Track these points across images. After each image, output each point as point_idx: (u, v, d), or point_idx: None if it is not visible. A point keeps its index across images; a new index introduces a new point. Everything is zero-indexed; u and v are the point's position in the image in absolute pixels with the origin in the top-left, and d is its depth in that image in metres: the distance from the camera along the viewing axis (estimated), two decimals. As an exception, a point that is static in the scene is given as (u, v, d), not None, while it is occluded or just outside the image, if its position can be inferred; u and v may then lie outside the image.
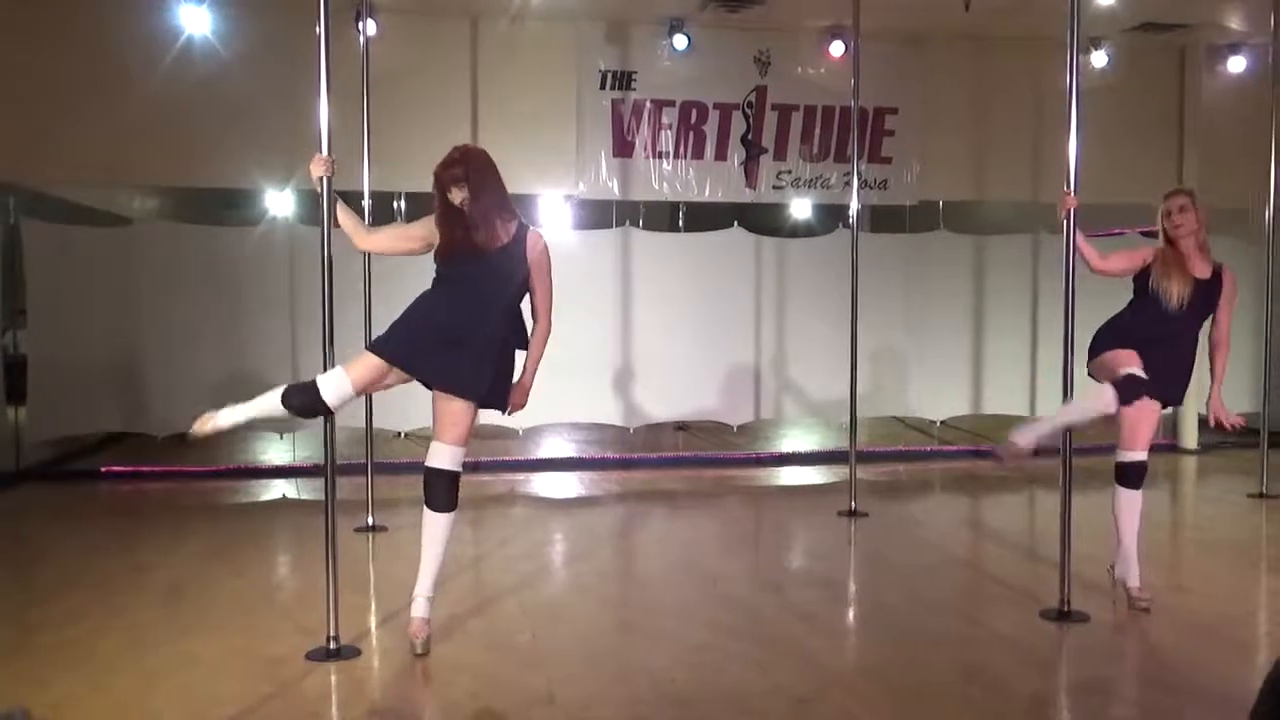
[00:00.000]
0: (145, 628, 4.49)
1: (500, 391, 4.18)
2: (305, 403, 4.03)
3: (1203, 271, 4.76)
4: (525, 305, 4.25)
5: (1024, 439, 4.78)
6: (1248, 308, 8.76)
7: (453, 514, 4.21)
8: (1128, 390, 4.57)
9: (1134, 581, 4.79)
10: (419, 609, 4.20)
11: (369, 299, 6.26)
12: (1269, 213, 7.65)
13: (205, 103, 7.98)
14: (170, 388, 8.16)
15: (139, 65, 7.84)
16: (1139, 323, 4.77)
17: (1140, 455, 4.76)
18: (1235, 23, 8.77)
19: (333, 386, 4.02)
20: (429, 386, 4.15)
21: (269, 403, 4.11)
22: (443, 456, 4.15)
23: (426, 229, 4.19)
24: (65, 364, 7.96)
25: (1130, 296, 4.90)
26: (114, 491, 7.76)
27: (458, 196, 4.08)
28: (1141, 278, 4.80)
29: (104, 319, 8.12)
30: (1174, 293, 4.68)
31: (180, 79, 7.85)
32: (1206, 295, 4.74)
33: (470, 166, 4.11)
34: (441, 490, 4.17)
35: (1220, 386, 4.89)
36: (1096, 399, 4.62)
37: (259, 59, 7.97)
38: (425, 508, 4.21)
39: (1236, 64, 9.23)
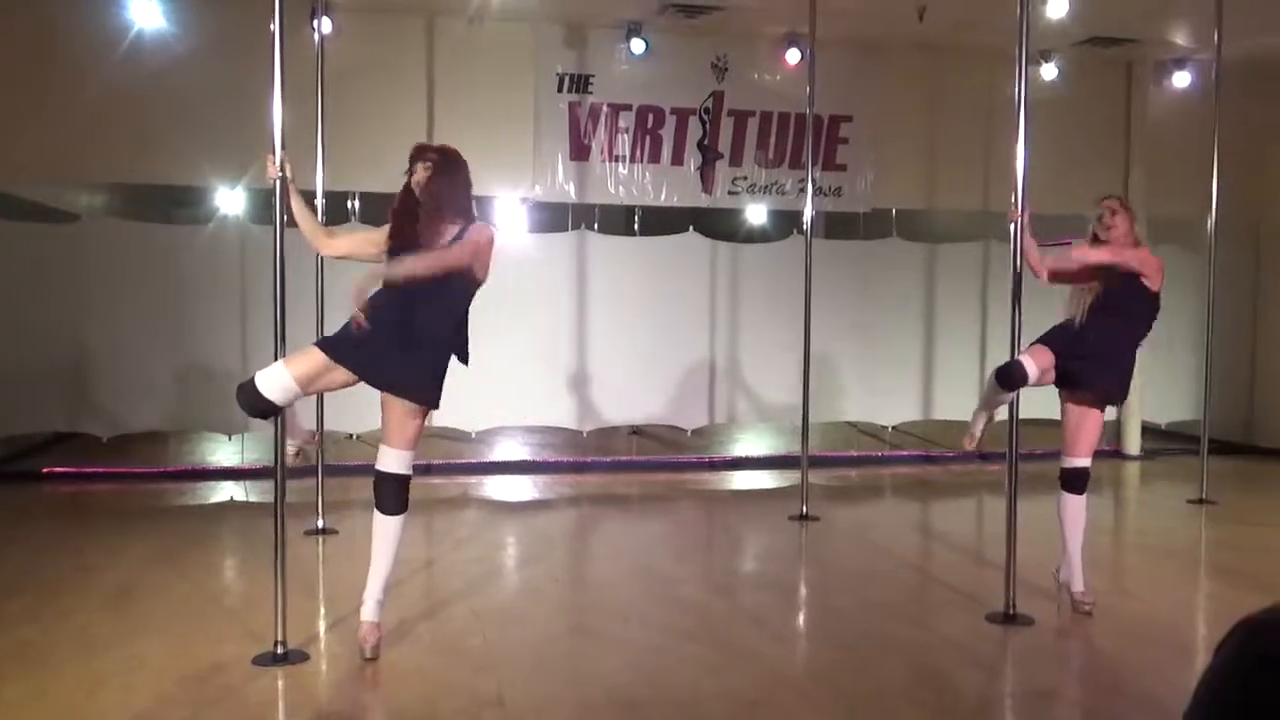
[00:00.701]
0: (92, 630, 4.42)
1: (422, 378, 4.05)
2: (248, 401, 3.91)
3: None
4: (476, 311, 4.20)
5: (975, 429, 5.03)
6: (1188, 317, 8.96)
7: (403, 517, 4.18)
8: (1004, 376, 4.70)
9: (1078, 585, 4.88)
10: (369, 613, 4.17)
11: (321, 299, 6.20)
12: (1211, 223, 7.82)
13: (156, 98, 7.86)
14: (118, 388, 8.03)
15: (88, 60, 7.71)
16: (1069, 328, 4.83)
17: (1082, 462, 4.86)
18: (1181, 38, 8.97)
19: (272, 381, 3.88)
20: (376, 388, 4.12)
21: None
22: (391, 460, 4.13)
23: (385, 234, 4.16)
24: (9, 363, 7.78)
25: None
26: (58, 493, 7.60)
27: (419, 175, 4.06)
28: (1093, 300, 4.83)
29: (50, 317, 7.95)
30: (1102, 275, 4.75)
31: (130, 74, 7.73)
32: (1131, 293, 4.72)
33: (444, 155, 4.12)
34: (391, 494, 4.14)
35: (1032, 236, 4.81)
36: (991, 391, 4.87)
37: (212, 55, 7.86)
38: (375, 511, 4.18)
39: (1182, 79, 9.43)
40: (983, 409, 5.08)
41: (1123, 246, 4.73)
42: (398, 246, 4.03)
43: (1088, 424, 4.84)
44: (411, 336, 3.97)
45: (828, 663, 4.30)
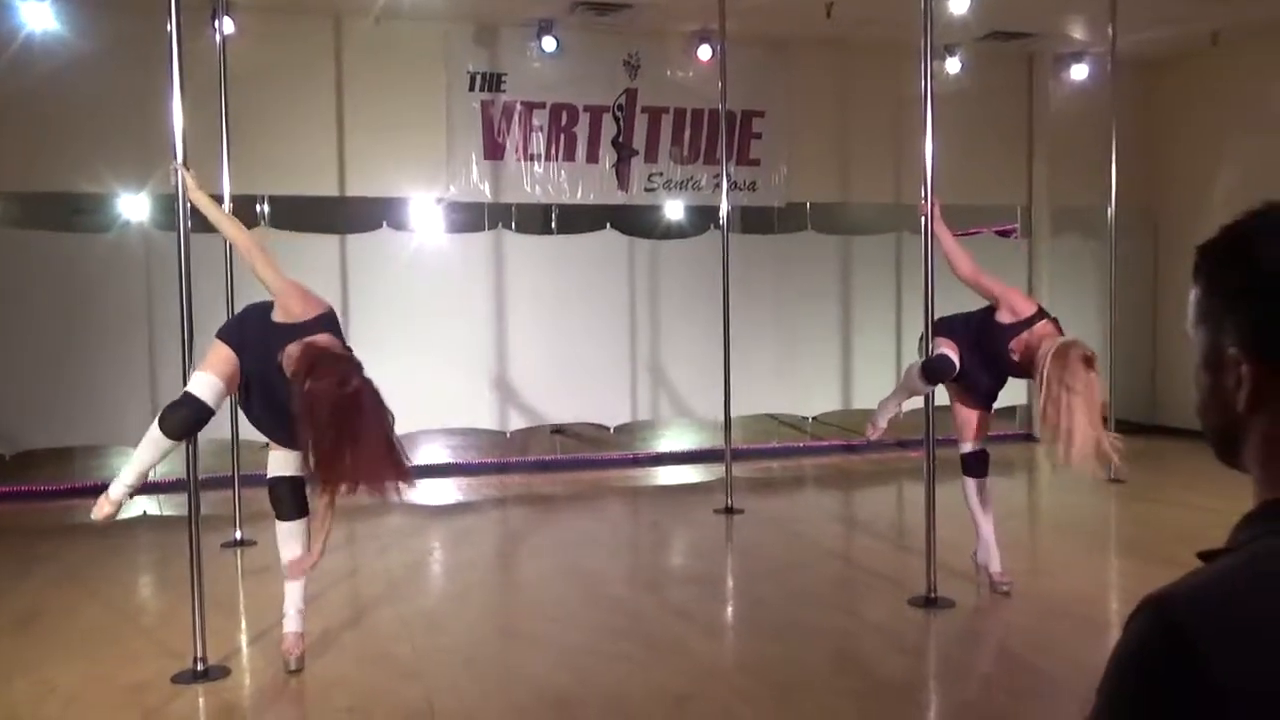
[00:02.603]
0: (-5, 658, 4.25)
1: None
2: (187, 415, 3.87)
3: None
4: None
5: (880, 421, 5.20)
6: (1092, 302, 9.25)
7: (304, 520, 4.12)
8: (933, 372, 4.79)
9: (995, 567, 5.00)
10: (291, 624, 4.09)
11: (231, 306, 6.06)
12: (1111, 213, 8.07)
13: (50, 103, 7.58)
14: (19, 403, 7.73)
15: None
16: (970, 331, 4.85)
17: (973, 446, 4.98)
18: (1077, 32, 9.25)
19: (202, 385, 3.89)
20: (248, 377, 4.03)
21: (151, 445, 3.94)
22: (282, 463, 4.07)
23: (274, 280, 3.87)
24: (-101, 380, 7.46)
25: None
26: (-43, 514, 7.30)
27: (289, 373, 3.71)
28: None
29: (-58, 332, 7.63)
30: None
31: (21, 78, 7.43)
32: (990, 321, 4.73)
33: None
34: (287, 498, 4.09)
35: (944, 225, 4.75)
36: (911, 379, 4.97)
37: (108, 58, 7.61)
38: (276, 520, 4.12)
39: (1079, 71, 9.72)
40: (894, 399, 5.20)
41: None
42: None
43: (977, 412, 4.98)
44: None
45: (756, 654, 4.34)
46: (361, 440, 3.54)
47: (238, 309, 5.94)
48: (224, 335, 4.02)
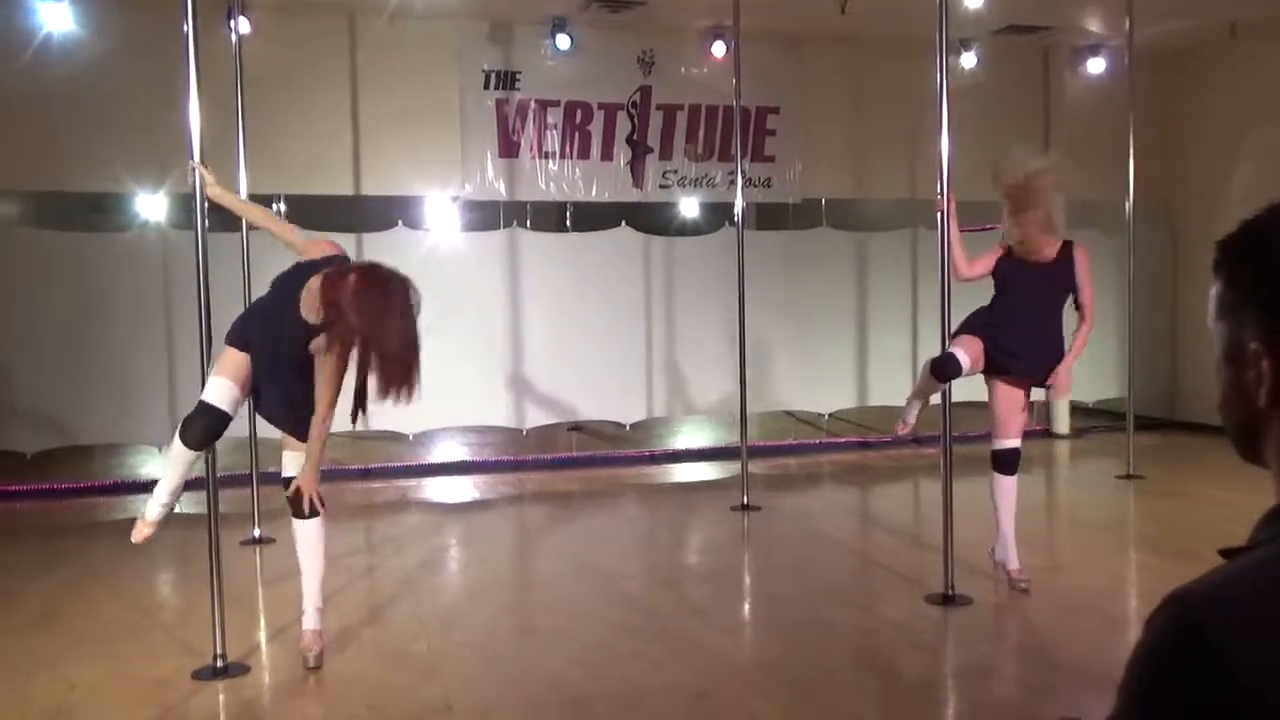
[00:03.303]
0: (18, 655, 4.28)
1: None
2: (207, 424, 3.90)
3: (1049, 253, 4.79)
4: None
5: (910, 417, 5.14)
6: (1110, 297, 9.20)
7: (320, 519, 4.12)
8: (939, 368, 4.78)
9: (1013, 564, 4.97)
10: (309, 621, 4.11)
11: (248, 304, 6.08)
12: (1129, 206, 8.02)
13: (69, 103, 7.64)
14: (40, 403, 7.79)
15: (-5, 65, 7.47)
16: (994, 309, 4.90)
17: (1012, 443, 4.93)
18: (1094, 25, 9.18)
19: (217, 392, 3.91)
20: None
21: (177, 460, 3.99)
22: (297, 463, 4.08)
23: (296, 237, 4.14)
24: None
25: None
26: (-21, 513, 7.37)
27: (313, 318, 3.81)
28: (998, 273, 4.89)
29: (-37, 332, 7.70)
30: (1017, 256, 4.80)
31: (41, 78, 7.49)
32: (1055, 275, 4.78)
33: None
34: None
35: (1074, 358, 4.82)
36: (925, 376, 4.97)
37: (126, 58, 7.66)
38: (292, 518, 4.12)
39: (1096, 65, 9.65)
40: (916, 397, 5.18)
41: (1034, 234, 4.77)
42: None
43: (1016, 405, 4.93)
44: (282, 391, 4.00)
45: (772, 651, 4.34)
46: (391, 313, 3.68)
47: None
48: (231, 339, 4.03)
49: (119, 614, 4.85)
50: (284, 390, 3.98)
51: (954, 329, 4.93)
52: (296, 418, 3.99)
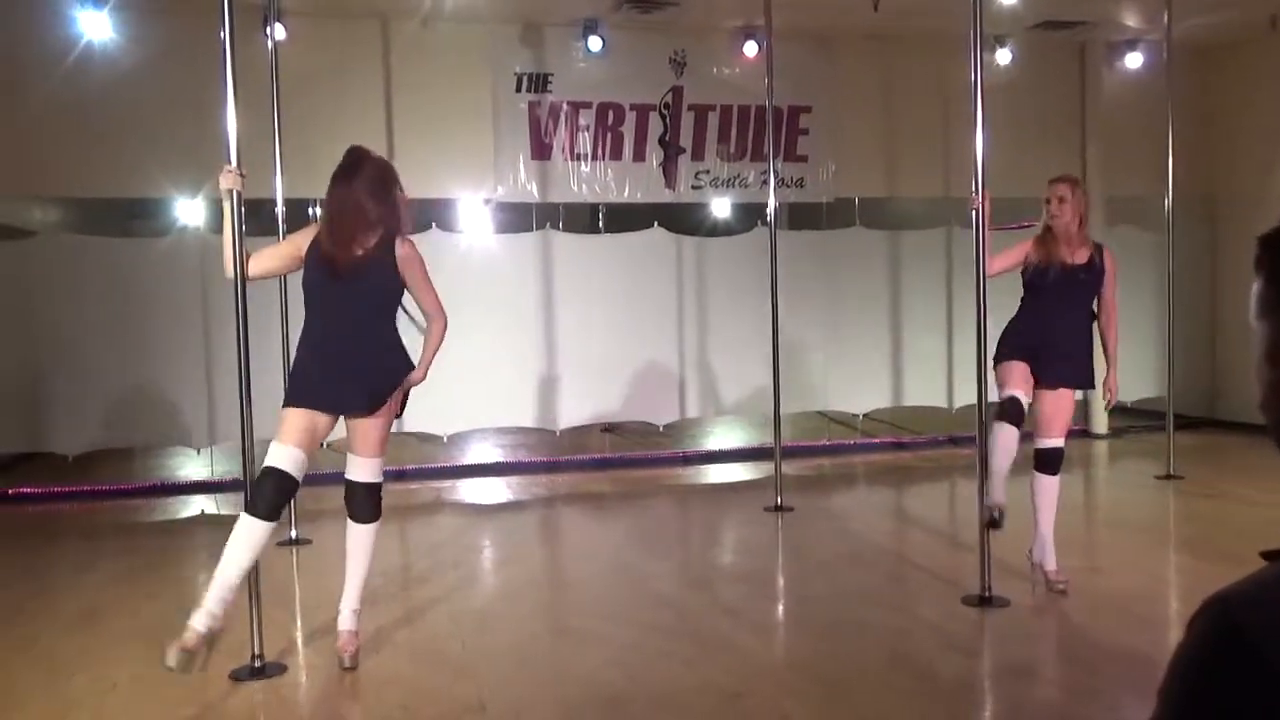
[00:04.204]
0: (58, 655, 4.35)
1: (391, 387, 4.07)
2: (277, 488, 3.82)
3: (1080, 257, 4.82)
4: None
5: (997, 496, 4.73)
6: (1150, 295, 9.09)
7: (375, 524, 4.16)
8: (1006, 415, 4.75)
9: (1051, 565, 4.92)
10: (346, 622, 4.14)
11: (285, 309, 6.15)
12: (1168, 202, 7.92)
13: (109, 110, 7.76)
14: (81, 406, 7.90)
15: (37, 73, 7.59)
16: (1025, 318, 4.91)
17: (1056, 442, 4.89)
18: (1131, 20, 9.07)
19: (283, 458, 3.85)
20: (347, 415, 4.08)
21: (242, 543, 3.79)
22: (359, 469, 4.11)
23: (294, 244, 4.09)
24: (-33, 384, 7.66)
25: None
26: (24, 514, 7.49)
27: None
28: (1026, 273, 4.91)
29: (8, 335, 7.83)
30: (1049, 261, 4.77)
31: (81, 86, 7.62)
32: (1085, 279, 4.82)
33: (362, 169, 4.03)
34: (361, 501, 4.13)
35: (1115, 369, 4.89)
36: (1001, 448, 4.77)
37: (164, 65, 7.76)
38: (348, 519, 4.16)
39: (1134, 59, 9.54)
40: (994, 476, 4.76)
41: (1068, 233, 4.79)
42: (311, 271, 3.97)
43: (1062, 405, 4.88)
44: (346, 359, 3.96)
45: (806, 651, 4.32)
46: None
47: (290, 312, 6.05)
48: (291, 401, 3.96)
49: (159, 614, 4.90)
50: (372, 360, 3.97)
51: (993, 348, 4.90)
52: (390, 372, 4.02)
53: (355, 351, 3.96)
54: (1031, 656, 4.31)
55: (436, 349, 4.16)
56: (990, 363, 4.84)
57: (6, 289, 7.86)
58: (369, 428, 4.06)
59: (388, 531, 6.73)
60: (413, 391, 4.16)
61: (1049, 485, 4.90)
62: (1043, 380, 4.86)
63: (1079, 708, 3.71)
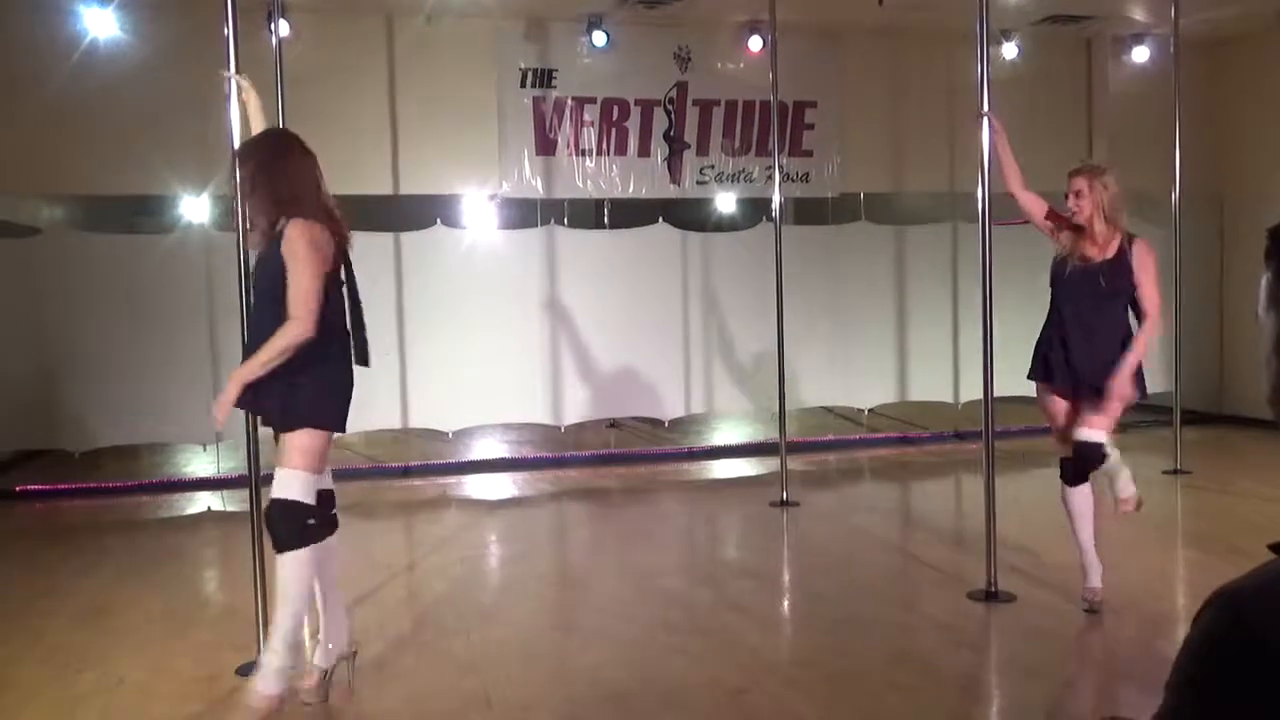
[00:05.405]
0: (66, 652, 4.36)
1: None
2: (293, 516, 3.44)
3: (1106, 252, 4.50)
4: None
5: (1092, 579, 4.62)
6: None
7: (295, 554, 3.46)
8: (1064, 475, 4.57)
9: (1090, 580, 4.62)
10: (317, 658, 3.80)
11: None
12: (1175, 196, 7.89)
13: (113, 107, 7.77)
14: (87, 403, 7.92)
15: (41, 70, 7.59)
16: (1048, 318, 4.62)
17: (1082, 434, 4.52)
18: (1138, 14, 9.05)
19: (292, 486, 3.48)
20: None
21: (296, 579, 3.45)
22: (278, 484, 3.50)
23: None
24: (-27, 381, 7.68)
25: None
26: (31, 511, 7.51)
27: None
28: (1052, 266, 4.64)
29: (14, 333, 7.85)
30: (1069, 253, 4.51)
31: (85, 83, 7.63)
32: (1109, 275, 4.46)
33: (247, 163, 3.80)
34: (272, 525, 3.48)
35: (1135, 358, 4.42)
36: (1074, 513, 4.61)
37: (168, 62, 7.76)
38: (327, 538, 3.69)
39: (1140, 53, 9.51)
40: (1118, 478, 4.72)
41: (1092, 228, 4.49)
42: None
43: (1092, 405, 4.51)
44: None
45: (812, 647, 4.31)
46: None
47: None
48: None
49: (165, 611, 4.92)
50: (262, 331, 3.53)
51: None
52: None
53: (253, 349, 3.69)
54: (1037, 652, 4.30)
55: (272, 354, 3.52)
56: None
57: (12, 287, 7.87)
58: (286, 439, 3.62)
59: (393, 528, 6.77)
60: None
61: (1072, 497, 4.59)
62: (1063, 384, 4.56)
63: (1085, 703, 3.70)
